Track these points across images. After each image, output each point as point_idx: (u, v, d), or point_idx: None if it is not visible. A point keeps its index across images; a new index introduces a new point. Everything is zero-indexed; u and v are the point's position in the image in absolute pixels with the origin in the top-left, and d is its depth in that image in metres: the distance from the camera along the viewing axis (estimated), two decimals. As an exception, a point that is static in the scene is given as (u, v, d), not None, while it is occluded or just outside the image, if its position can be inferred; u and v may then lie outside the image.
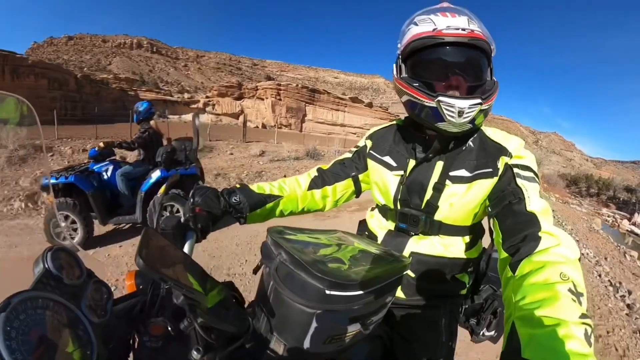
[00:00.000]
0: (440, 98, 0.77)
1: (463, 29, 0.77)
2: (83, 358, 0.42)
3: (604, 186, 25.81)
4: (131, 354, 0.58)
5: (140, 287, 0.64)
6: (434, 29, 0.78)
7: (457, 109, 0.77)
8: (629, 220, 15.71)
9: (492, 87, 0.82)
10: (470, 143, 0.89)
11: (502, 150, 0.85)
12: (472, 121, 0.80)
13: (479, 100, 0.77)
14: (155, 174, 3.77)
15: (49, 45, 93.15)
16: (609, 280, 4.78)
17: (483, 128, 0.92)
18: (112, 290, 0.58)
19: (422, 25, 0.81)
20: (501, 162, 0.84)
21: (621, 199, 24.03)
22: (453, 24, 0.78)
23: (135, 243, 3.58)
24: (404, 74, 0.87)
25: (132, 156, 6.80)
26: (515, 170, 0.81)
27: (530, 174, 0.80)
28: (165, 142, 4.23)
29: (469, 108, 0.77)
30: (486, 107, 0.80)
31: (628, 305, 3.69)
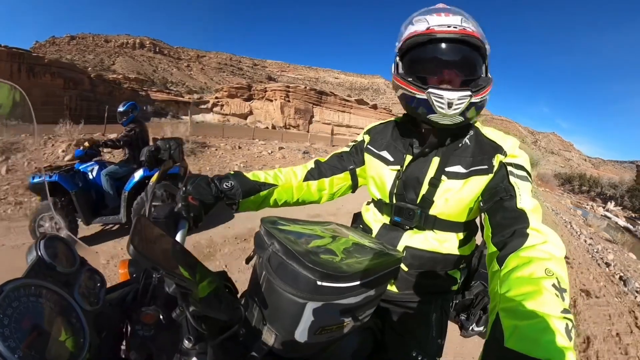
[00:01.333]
0: (430, 90, 0.81)
1: (455, 27, 0.81)
2: (75, 345, 0.42)
3: (593, 184, 29.69)
4: (124, 343, 0.58)
5: (134, 275, 0.64)
6: (427, 27, 0.82)
7: (446, 100, 0.79)
8: (604, 208, 20.58)
9: (485, 83, 0.83)
10: (467, 140, 0.91)
11: (498, 149, 0.87)
12: (463, 114, 0.82)
13: (468, 93, 0.80)
14: (138, 174, 3.67)
15: (51, 45, 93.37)
16: (552, 209, 12.21)
17: (480, 127, 0.94)
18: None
19: (418, 25, 0.85)
20: (496, 160, 0.86)
21: (608, 195, 27.41)
22: (445, 22, 0.82)
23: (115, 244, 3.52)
24: (400, 71, 0.90)
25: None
26: (509, 168, 0.83)
27: (523, 173, 0.82)
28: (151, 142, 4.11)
29: (458, 100, 0.79)
30: (477, 100, 0.82)
31: (556, 214, 11.15)
